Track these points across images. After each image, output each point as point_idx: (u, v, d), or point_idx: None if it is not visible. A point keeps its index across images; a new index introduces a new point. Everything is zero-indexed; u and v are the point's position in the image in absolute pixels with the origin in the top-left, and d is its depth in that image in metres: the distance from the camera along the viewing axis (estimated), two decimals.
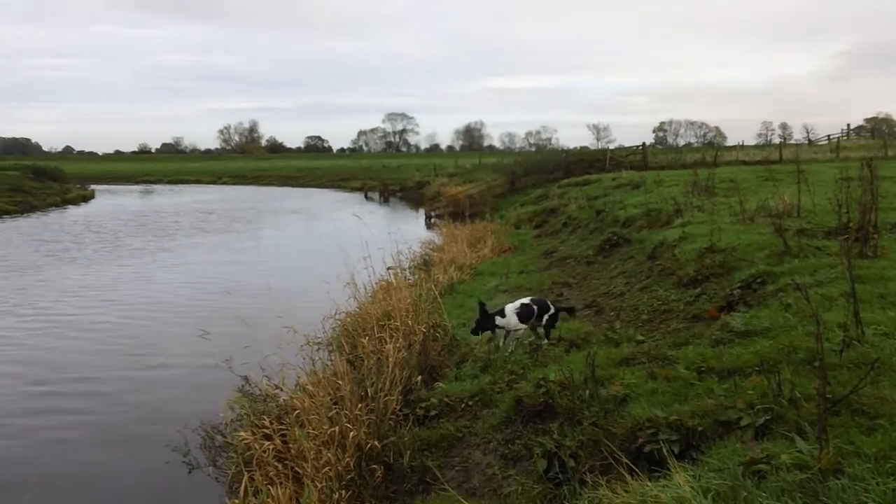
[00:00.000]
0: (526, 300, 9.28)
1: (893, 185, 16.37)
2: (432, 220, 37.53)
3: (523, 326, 9.07)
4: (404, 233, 31.45)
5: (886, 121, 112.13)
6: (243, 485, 5.48)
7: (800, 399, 4.90)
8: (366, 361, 9.00)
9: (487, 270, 18.48)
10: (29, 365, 12.85)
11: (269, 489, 5.50)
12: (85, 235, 32.89)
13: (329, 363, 8.97)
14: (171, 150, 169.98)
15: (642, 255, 14.58)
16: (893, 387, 4.97)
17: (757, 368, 5.80)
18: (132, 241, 30.56)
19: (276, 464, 6.90)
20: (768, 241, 10.92)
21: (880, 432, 4.37)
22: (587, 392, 6.31)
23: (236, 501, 5.46)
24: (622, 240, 16.93)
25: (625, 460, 5.35)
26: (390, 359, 8.22)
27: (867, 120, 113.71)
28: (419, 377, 8.56)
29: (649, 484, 3.99)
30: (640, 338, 8.69)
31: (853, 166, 10.87)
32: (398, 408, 7.59)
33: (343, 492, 6.23)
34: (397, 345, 9.07)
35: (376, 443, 6.79)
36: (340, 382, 7.60)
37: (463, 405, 7.51)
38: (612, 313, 11.77)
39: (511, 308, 9.11)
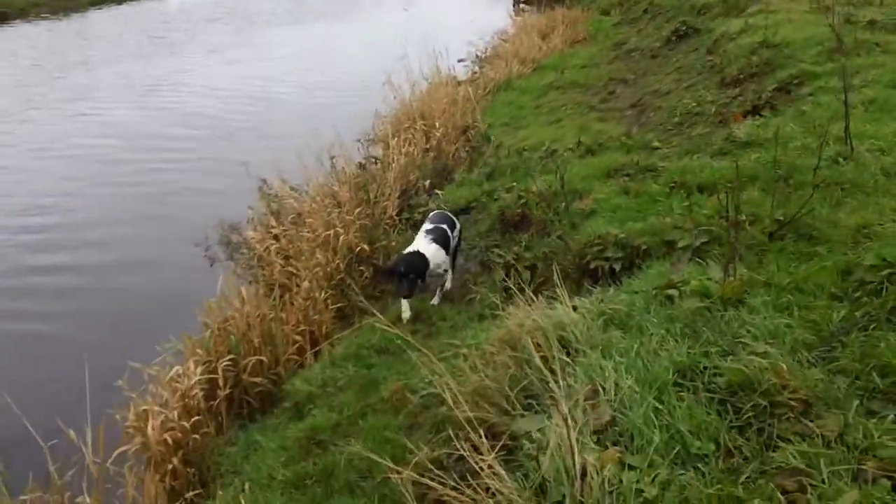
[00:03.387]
0: (429, 225, 6.50)
1: None
2: (520, 6, 35.53)
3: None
4: (487, 21, 30.13)
5: None
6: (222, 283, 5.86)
7: (744, 221, 4.76)
8: (379, 164, 9.17)
9: (551, 64, 17.73)
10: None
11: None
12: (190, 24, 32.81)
13: (344, 167, 9.13)
14: None
15: (704, 49, 13.63)
16: (855, 211, 4.73)
17: (729, 185, 5.60)
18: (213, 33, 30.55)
19: (280, 261, 7.38)
20: (827, 36, 9.93)
21: (815, 261, 4.24)
22: (563, 205, 6.29)
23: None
24: (691, 30, 15.73)
25: (575, 275, 5.51)
26: (393, 164, 8.33)
27: None
28: (427, 181, 8.69)
29: (551, 304, 4.08)
30: (657, 144, 8.39)
31: None
32: (395, 213, 7.81)
33: (329, 290, 6.63)
34: (410, 148, 9.14)
35: (366, 246, 7.09)
36: (336, 188, 7.80)
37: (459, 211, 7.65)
38: (651, 114, 11.32)
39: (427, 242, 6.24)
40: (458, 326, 5.53)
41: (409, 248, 6.12)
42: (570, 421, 2.80)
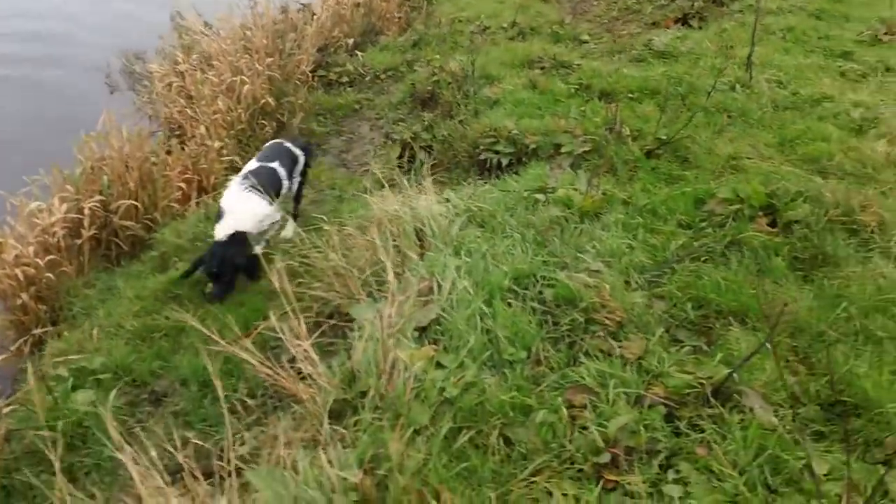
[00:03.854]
0: (253, 164, 4.76)
1: None
2: None
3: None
4: None
5: None
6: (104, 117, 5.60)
7: (627, 136, 4.83)
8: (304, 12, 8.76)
9: None
10: None
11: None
12: None
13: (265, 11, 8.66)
14: None
15: None
16: (732, 140, 4.84)
17: (630, 95, 5.64)
18: None
19: (182, 101, 7.15)
20: None
21: (679, 184, 4.36)
22: (472, 90, 6.22)
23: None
24: None
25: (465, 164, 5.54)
26: (316, 16, 7.98)
27: None
28: (352, 40, 8.40)
29: (415, 194, 4.12)
30: (586, 38, 8.27)
31: None
32: (310, 69, 7.56)
33: (226, 140, 6.50)
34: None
35: (271, 100, 6.89)
36: (250, 32, 7.45)
37: (370, 77, 7.48)
38: (595, 2, 11.06)
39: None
40: (344, 198, 5.54)
41: (221, 221, 4.34)
42: (388, 315, 2.92)
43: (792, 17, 7.34)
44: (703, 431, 2.59)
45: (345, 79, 7.53)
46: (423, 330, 3.13)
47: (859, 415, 2.71)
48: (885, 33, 6.84)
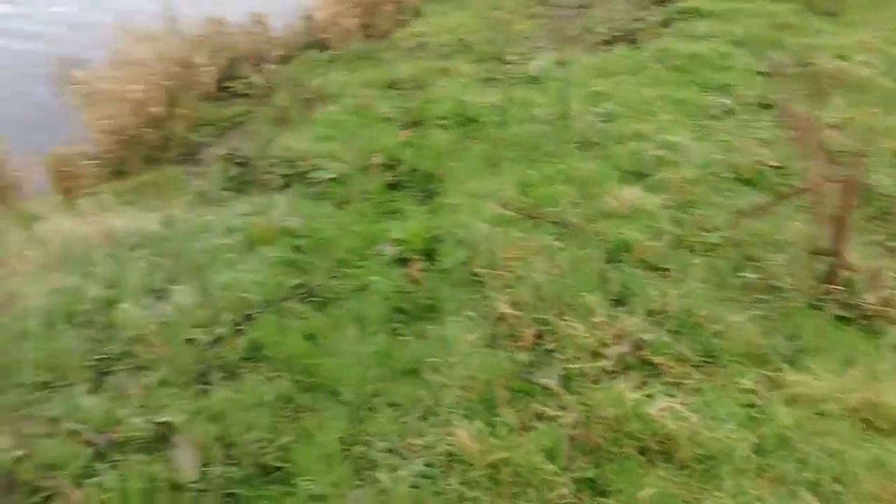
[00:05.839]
0: None
1: None
2: None
3: None
4: None
5: None
6: None
7: (380, 165, 4.64)
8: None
9: None
10: None
11: None
12: None
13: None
14: None
15: None
16: (499, 176, 4.54)
17: (438, 123, 5.40)
18: None
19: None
20: None
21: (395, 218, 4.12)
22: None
23: None
24: None
25: None
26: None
27: None
28: (282, 52, 8.48)
29: None
30: (511, 58, 7.90)
31: None
32: (218, 79, 7.67)
33: (116, 146, 6.77)
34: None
35: (160, 110, 7.03)
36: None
37: (265, 89, 7.49)
38: (592, 14, 10.54)
39: None
40: None
41: None
42: None
43: (707, 43, 6.73)
44: None
45: (250, 91, 7.57)
46: None
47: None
48: (799, 65, 6.17)
